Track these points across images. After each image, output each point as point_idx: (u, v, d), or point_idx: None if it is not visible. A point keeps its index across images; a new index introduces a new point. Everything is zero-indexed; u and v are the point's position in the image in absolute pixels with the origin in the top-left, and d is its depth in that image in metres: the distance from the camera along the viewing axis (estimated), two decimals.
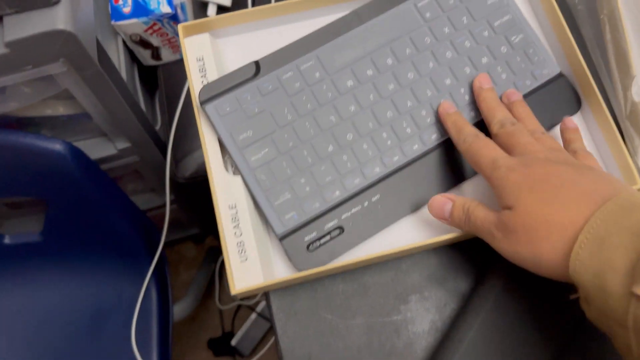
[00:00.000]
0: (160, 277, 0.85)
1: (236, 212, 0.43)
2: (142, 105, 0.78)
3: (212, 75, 0.46)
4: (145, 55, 0.79)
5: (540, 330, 0.41)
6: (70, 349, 0.81)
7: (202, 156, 0.76)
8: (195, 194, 0.83)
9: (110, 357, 0.82)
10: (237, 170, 0.45)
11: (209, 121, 0.45)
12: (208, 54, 0.47)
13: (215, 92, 0.45)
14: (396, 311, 0.44)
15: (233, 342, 1.13)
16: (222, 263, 1.19)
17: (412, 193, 0.46)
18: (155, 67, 0.83)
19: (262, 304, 1.16)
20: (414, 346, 0.43)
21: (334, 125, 0.46)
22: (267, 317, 1.14)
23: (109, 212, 0.73)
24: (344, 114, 0.46)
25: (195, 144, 0.77)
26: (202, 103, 0.44)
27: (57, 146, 0.61)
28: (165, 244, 1.17)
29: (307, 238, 0.44)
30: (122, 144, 0.70)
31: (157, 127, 0.83)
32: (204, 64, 0.47)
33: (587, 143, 0.48)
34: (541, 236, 0.35)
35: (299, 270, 0.43)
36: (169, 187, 0.73)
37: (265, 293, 0.45)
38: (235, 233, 0.43)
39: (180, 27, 0.47)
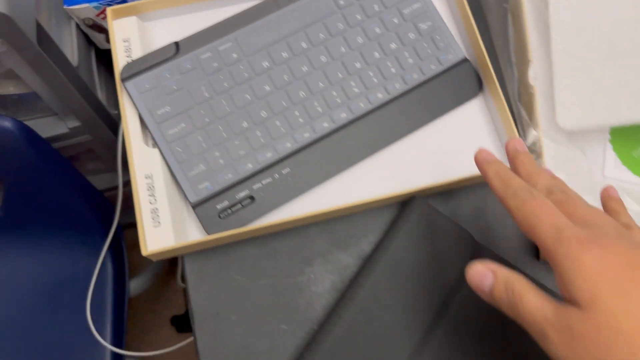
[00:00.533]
0: (116, 253, 0.89)
1: (152, 182, 0.47)
2: (98, 88, 0.81)
3: (137, 56, 0.50)
4: (100, 39, 0.82)
5: (429, 281, 0.45)
6: (27, 321, 0.84)
7: None
8: None
9: (67, 329, 0.85)
10: (155, 144, 0.48)
11: (129, 97, 0.48)
12: (134, 35, 0.51)
13: (136, 70, 0.48)
14: (301, 273, 0.48)
15: None
16: None
17: (321, 167, 0.49)
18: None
19: None
20: (314, 305, 0.47)
21: (249, 103, 0.49)
22: None
23: (62, 188, 0.77)
24: (259, 93, 0.50)
25: None
26: (124, 80, 0.48)
27: (6, 124, 0.64)
28: (127, 225, 1.20)
29: (220, 206, 0.48)
30: (73, 123, 0.73)
31: (114, 111, 0.86)
32: (129, 45, 0.50)
33: (486, 124, 0.52)
34: (626, 353, 0.26)
35: (209, 234, 0.46)
36: (120, 163, 0.76)
37: (181, 258, 0.49)
38: (149, 201, 0.46)
39: (108, 10, 0.50)
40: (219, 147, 0.48)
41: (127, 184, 0.98)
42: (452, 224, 0.47)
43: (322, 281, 0.48)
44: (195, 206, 0.47)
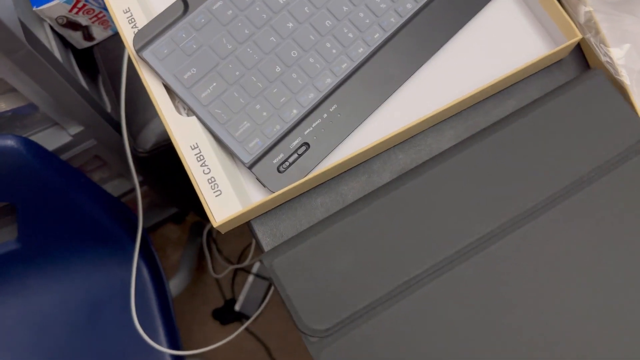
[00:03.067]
0: (148, 257, 0.85)
1: (199, 151, 0.43)
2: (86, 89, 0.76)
3: (142, 23, 0.45)
4: (77, 38, 0.76)
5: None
6: (75, 346, 0.81)
7: (158, 126, 0.75)
8: (161, 167, 0.82)
9: (117, 344, 0.82)
10: (190, 111, 0.44)
11: (149, 68, 0.44)
12: (133, 3, 0.46)
13: (148, 37, 0.44)
14: None
15: (237, 308, 1.14)
16: (209, 235, 1.19)
17: (368, 96, 0.46)
18: (90, 50, 0.81)
19: (257, 265, 1.17)
20: None
21: (276, 46, 0.45)
22: (264, 276, 1.15)
23: (79, 201, 0.72)
24: (284, 33, 0.46)
25: (148, 114, 0.76)
26: (139, 51, 0.44)
27: (9, 142, 0.60)
28: (148, 228, 1.16)
29: (276, 160, 0.44)
30: (75, 129, 0.68)
31: (109, 110, 0.82)
32: (131, 15, 0.46)
33: (524, 16, 0.49)
34: None
35: (274, 191, 0.43)
36: (131, 162, 0.72)
37: (249, 225, 0.45)
38: (203, 171, 0.43)
39: None
40: (259, 99, 0.44)
41: (141, 184, 0.94)
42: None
43: None
44: (251, 166, 0.44)
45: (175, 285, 0.94)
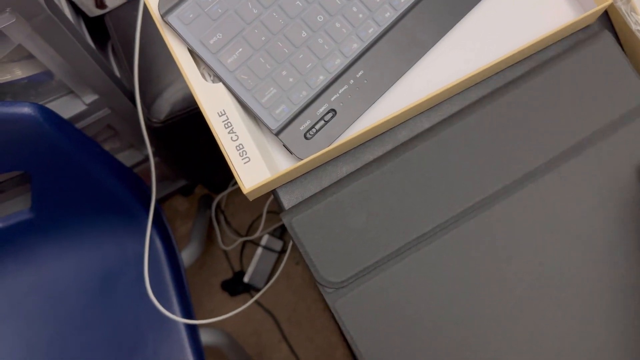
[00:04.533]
0: (160, 227, 0.85)
1: (227, 118, 0.43)
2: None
3: None
4: (88, 5, 0.75)
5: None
6: (88, 316, 0.81)
7: (172, 95, 0.75)
8: (175, 137, 0.82)
9: (130, 314, 0.82)
10: (216, 78, 0.44)
11: (175, 33, 0.43)
12: None
13: (173, 1, 0.43)
14: None
15: (245, 279, 1.14)
16: (217, 208, 1.20)
17: (394, 61, 0.45)
18: (101, 19, 0.80)
19: (266, 237, 1.17)
20: None
21: (301, 11, 0.45)
22: (272, 248, 1.16)
23: (94, 170, 0.72)
24: None
25: (162, 84, 0.75)
26: (164, 15, 0.43)
27: (26, 109, 0.59)
28: (158, 200, 1.16)
29: (302, 127, 0.44)
30: (90, 97, 0.67)
31: (122, 81, 0.81)
32: None
33: None
34: None
35: (302, 159, 0.43)
36: (145, 132, 0.71)
37: (274, 193, 0.45)
38: (231, 138, 0.42)
39: None
40: (285, 65, 0.44)
41: (153, 155, 0.93)
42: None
43: None
44: (278, 133, 0.43)
45: (187, 255, 0.95)
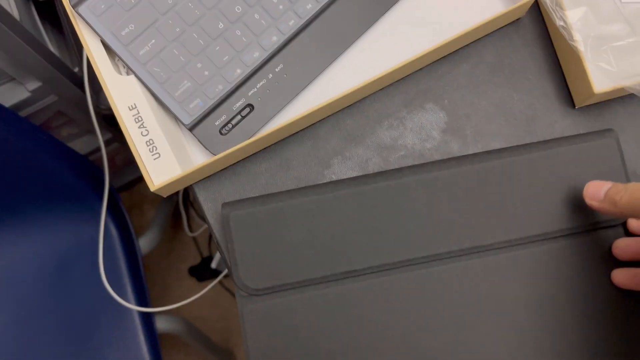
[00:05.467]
0: (116, 214, 0.84)
1: (137, 112, 0.42)
2: (49, 43, 0.73)
3: None
4: None
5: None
6: (44, 302, 0.81)
7: None
8: None
9: (87, 301, 0.82)
10: (129, 70, 0.43)
11: (87, 24, 0.42)
12: None
13: None
14: (321, 177, 0.44)
15: (213, 265, 1.14)
16: (185, 193, 1.19)
17: (315, 56, 0.44)
18: (53, 2, 0.78)
19: None
20: None
21: (218, 1, 0.43)
22: None
23: (41, 158, 0.71)
24: None
25: None
26: (75, 6, 0.42)
27: None
28: (124, 185, 1.16)
29: (218, 122, 0.43)
30: (33, 84, 0.66)
31: (75, 67, 0.79)
32: None
33: None
34: None
35: (216, 154, 0.42)
36: (95, 119, 0.70)
37: (191, 189, 0.44)
38: (141, 132, 0.41)
39: None
40: (200, 57, 0.43)
41: (109, 142, 0.92)
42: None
43: None
44: (191, 128, 0.42)
45: (145, 242, 0.94)
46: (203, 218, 0.45)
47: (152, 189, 0.40)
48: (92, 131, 0.91)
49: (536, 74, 0.45)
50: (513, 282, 0.40)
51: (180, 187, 0.43)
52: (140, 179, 1.17)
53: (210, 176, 0.44)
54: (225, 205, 0.40)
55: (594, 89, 0.41)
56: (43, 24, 0.75)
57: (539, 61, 0.45)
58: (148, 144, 0.41)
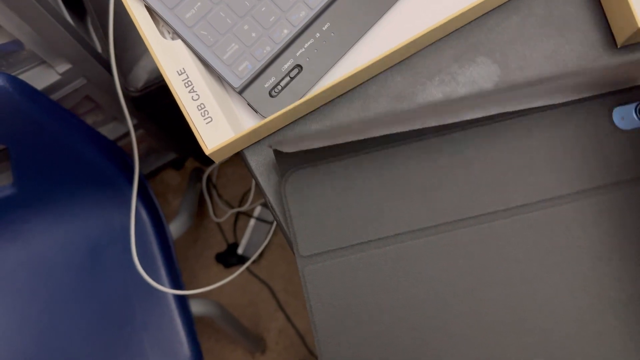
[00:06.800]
0: (146, 200, 0.84)
1: (187, 77, 0.41)
2: (74, 25, 0.73)
3: None
4: None
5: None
6: (76, 289, 0.81)
7: (149, 63, 0.73)
8: (155, 107, 0.80)
9: (119, 287, 0.82)
10: (175, 35, 0.42)
11: None
12: None
13: None
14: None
15: (239, 251, 1.14)
16: (208, 180, 1.18)
17: (362, 12, 0.43)
18: None
19: (259, 209, 1.16)
20: None
21: None
22: (265, 219, 1.15)
23: (72, 142, 0.71)
24: None
25: (138, 51, 0.73)
26: None
27: None
28: (148, 174, 1.15)
29: (267, 84, 0.42)
30: (63, 67, 0.66)
31: (99, 50, 0.79)
32: None
33: None
34: None
35: (266, 117, 0.41)
36: (123, 102, 0.70)
37: (242, 154, 0.44)
38: (192, 97, 0.41)
39: None
40: (246, 19, 0.42)
41: (135, 128, 0.92)
42: None
43: None
44: (241, 91, 0.42)
45: (175, 227, 0.94)
46: (256, 182, 0.44)
47: (206, 152, 0.40)
48: (117, 118, 0.90)
49: (586, 23, 0.44)
50: (575, 232, 0.39)
51: (232, 152, 0.42)
52: (163, 168, 1.17)
53: (260, 141, 0.43)
54: (279, 158, 0.40)
55: (638, 23, 0.40)
56: (67, 10, 0.74)
57: (587, 10, 0.44)
58: (199, 107, 0.40)
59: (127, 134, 0.91)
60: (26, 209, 0.80)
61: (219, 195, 1.18)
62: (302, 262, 0.39)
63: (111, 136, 0.91)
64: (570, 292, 0.39)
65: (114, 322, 0.81)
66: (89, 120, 0.87)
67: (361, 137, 0.38)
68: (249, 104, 0.42)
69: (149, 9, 0.42)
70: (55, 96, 0.70)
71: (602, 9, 0.44)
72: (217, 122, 0.40)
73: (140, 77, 0.72)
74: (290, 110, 0.41)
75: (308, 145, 0.38)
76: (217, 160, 0.42)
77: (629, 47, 0.44)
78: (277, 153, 0.39)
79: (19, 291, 0.81)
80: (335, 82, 0.40)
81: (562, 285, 0.39)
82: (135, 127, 0.93)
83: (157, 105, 0.78)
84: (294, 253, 0.40)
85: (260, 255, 1.16)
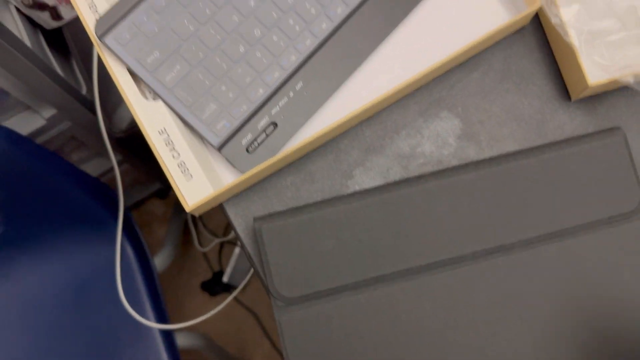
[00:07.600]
0: (131, 235, 0.86)
1: (168, 136, 0.43)
2: (59, 71, 0.75)
3: (103, 8, 0.45)
4: (45, 18, 0.75)
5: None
6: (63, 325, 0.82)
7: None
8: (139, 145, 0.82)
9: (105, 322, 0.83)
10: (155, 95, 0.44)
11: (113, 54, 0.44)
12: None
13: (110, 23, 0.44)
14: (344, 187, 0.46)
15: (225, 279, 1.15)
16: None
17: (333, 72, 0.46)
18: (61, 30, 0.80)
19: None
20: None
21: (238, 25, 0.45)
22: None
23: (59, 183, 0.73)
24: (245, 11, 0.45)
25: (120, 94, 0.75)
26: (101, 37, 0.43)
27: None
28: (133, 205, 1.17)
29: (244, 141, 0.44)
30: (49, 112, 0.68)
31: (84, 91, 0.81)
32: (92, 1, 0.45)
33: None
34: None
35: (244, 172, 0.44)
36: (108, 143, 0.72)
37: (221, 207, 0.46)
38: (173, 156, 0.43)
39: None
40: (224, 80, 0.45)
41: (121, 163, 0.94)
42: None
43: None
44: (220, 148, 0.44)
45: (160, 260, 0.96)
46: (235, 233, 0.46)
47: (187, 210, 0.42)
48: (101, 154, 0.92)
49: (542, 78, 0.47)
50: (536, 278, 0.42)
51: (212, 206, 0.44)
52: (148, 198, 1.18)
53: (239, 193, 0.46)
54: (257, 219, 0.42)
55: (588, 81, 0.43)
56: (51, 51, 0.77)
57: (543, 66, 0.47)
58: (180, 165, 0.43)
59: (112, 169, 0.93)
60: (13, 248, 0.82)
61: (204, 225, 1.20)
62: (279, 311, 0.42)
63: (96, 171, 0.93)
64: (532, 334, 0.41)
65: (101, 357, 0.82)
66: (74, 157, 0.89)
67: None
68: (227, 160, 0.44)
69: (131, 72, 0.44)
70: (40, 139, 0.72)
71: (557, 64, 0.47)
72: (197, 180, 0.43)
73: (124, 117, 0.74)
74: (266, 166, 0.43)
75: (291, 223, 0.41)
76: (198, 214, 0.44)
77: (582, 100, 0.47)
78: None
79: (8, 327, 0.82)
80: (309, 140, 0.43)
81: (524, 328, 0.41)
82: (120, 162, 0.95)
83: (142, 143, 0.80)
84: (269, 297, 0.42)
85: (246, 281, 1.18)
